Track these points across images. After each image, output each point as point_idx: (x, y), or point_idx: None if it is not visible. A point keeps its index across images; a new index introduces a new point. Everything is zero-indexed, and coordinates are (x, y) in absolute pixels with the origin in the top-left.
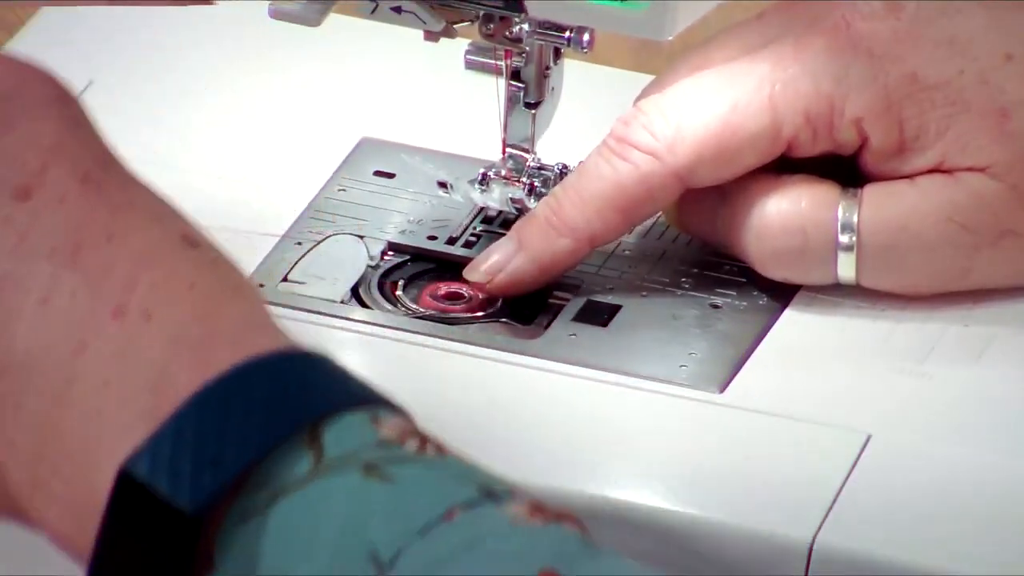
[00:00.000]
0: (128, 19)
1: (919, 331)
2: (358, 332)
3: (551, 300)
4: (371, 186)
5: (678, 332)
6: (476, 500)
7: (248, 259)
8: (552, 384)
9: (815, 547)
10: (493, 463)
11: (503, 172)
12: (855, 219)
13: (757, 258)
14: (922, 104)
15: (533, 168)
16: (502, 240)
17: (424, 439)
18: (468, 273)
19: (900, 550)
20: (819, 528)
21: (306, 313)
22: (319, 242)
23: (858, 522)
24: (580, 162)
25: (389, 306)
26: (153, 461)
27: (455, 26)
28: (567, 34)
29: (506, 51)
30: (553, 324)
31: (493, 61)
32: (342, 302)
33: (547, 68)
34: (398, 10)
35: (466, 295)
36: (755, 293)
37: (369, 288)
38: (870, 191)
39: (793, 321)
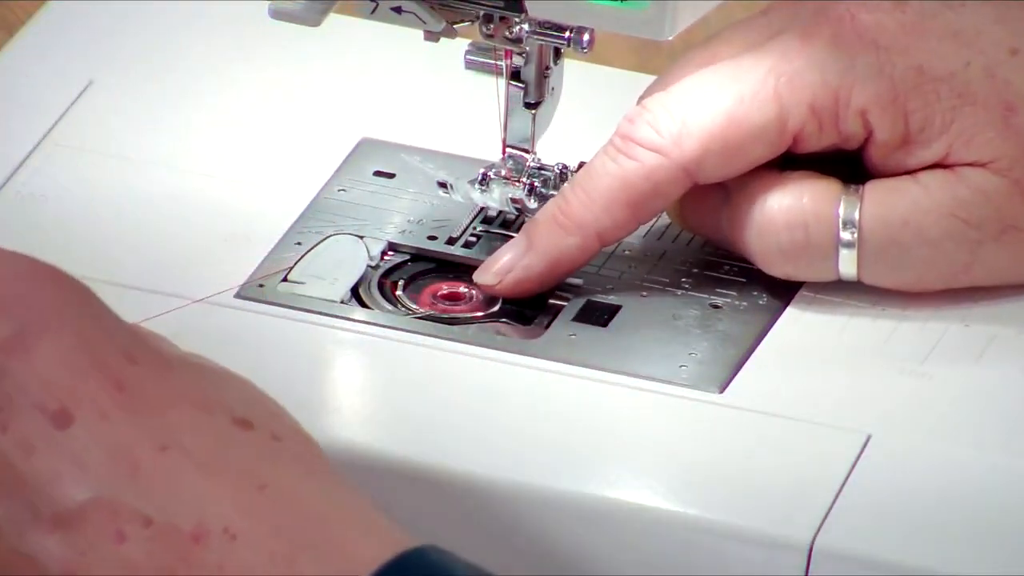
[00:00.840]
0: (129, 19)
1: (919, 331)
2: (358, 332)
3: (551, 300)
4: (371, 186)
5: (678, 332)
6: None
7: (248, 259)
8: (552, 384)
9: (815, 547)
10: (493, 463)
11: (503, 172)
12: (857, 215)
13: (759, 254)
14: (928, 97)
15: (533, 168)
16: (511, 242)
17: None
18: (478, 276)
19: (900, 550)
20: (819, 528)
21: (306, 313)
22: (319, 242)
23: (858, 522)
24: (581, 162)
25: (389, 306)
26: None
27: (455, 26)
28: (567, 34)
29: (506, 51)
30: (553, 324)
31: (493, 61)
32: (342, 302)
33: (547, 68)
34: (398, 10)
35: (466, 295)
36: (755, 293)
37: (369, 288)
38: (872, 187)
39: (793, 321)
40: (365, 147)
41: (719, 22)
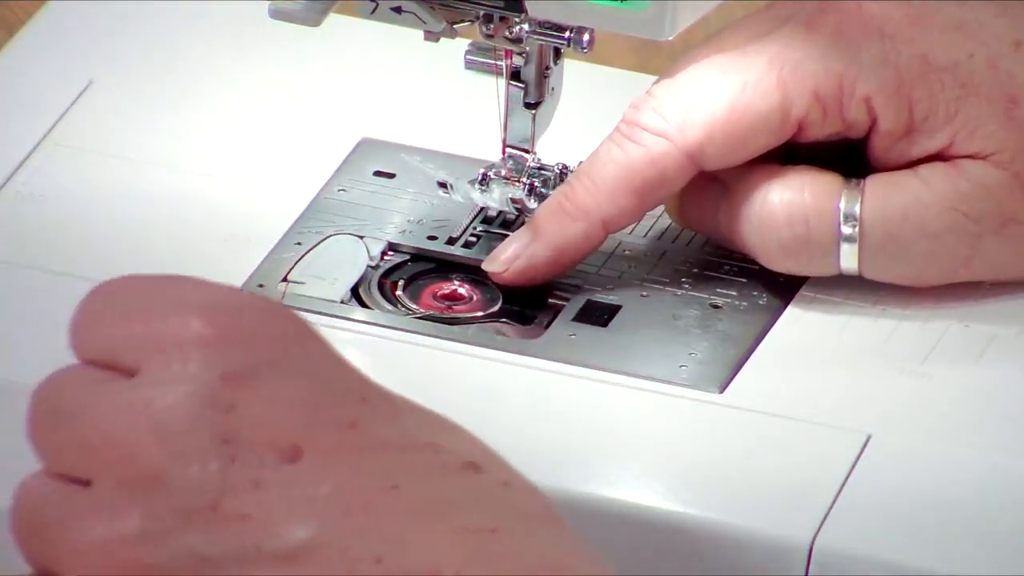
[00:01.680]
0: (129, 19)
1: (919, 331)
2: (358, 332)
3: (551, 300)
4: (371, 186)
5: (678, 332)
6: None
7: (248, 259)
8: (552, 384)
9: (815, 547)
10: None
11: (503, 172)
12: (858, 209)
13: (760, 249)
14: (932, 86)
15: (533, 168)
16: (519, 231)
17: None
18: (486, 265)
19: (900, 550)
20: (819, 528)
21: (306, 313)
22: (319, 242)
23: (858, 522)
24: (581, 163)
25: (389, 306)
26: None
27: (455, 26)
28: (567, 34)
29: (506, 51)
30: (553, 324)
31: (493, 61)
32: (342, 302)
33: (547, 68)
34: (398, 10)
35: (466, 295)
36: (755, 293)
37: (369, 288)
38: (873, 181)
39: (793, 321)
40: (365, 147)
41: (719, 22)
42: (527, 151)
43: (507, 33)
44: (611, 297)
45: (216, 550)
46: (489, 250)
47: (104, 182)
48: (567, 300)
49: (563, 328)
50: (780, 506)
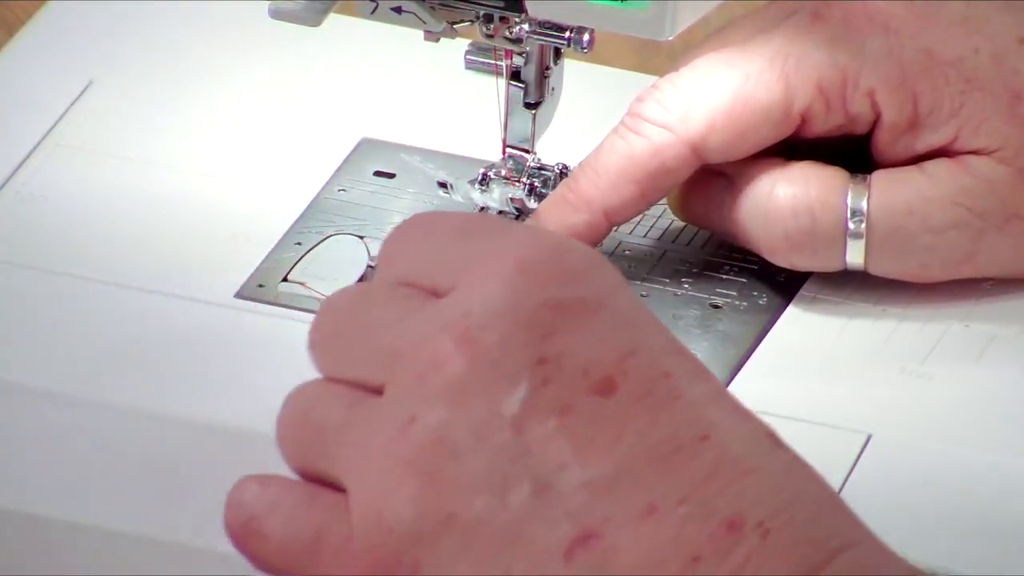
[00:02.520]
0: (129, 19)
1: (919, 331)
2: None
3: None
4: (371, 186)
5: (678, 332)
6: None
7: (248, 259)
8: None
9: None
10: None
11: (503, 172)
12: (864, 204)
13: (764, 243)
14: (936, 80)
15: (533, 168)
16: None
17: None
18: None
19: (900, 550)
20: None
21: (306, 313)
22: (319, 242)
23: None
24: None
25: None
26: None
27: (455, 26)
28: (567, 34)
29: (506, 51)
30: None
31: (493, 61)
32: None
33: (547, 68)
34: (398, 10)
35: None
36: (755, 293)
37: None
38: (878, 176)
39: (793, 321)
40: (365, 147)
41: (719, 22)
42: (527, 151)
43: (507, 33)
44: None
45: (513, 470)
46: None
47: (104, 182)
48: None
49: None
50: None
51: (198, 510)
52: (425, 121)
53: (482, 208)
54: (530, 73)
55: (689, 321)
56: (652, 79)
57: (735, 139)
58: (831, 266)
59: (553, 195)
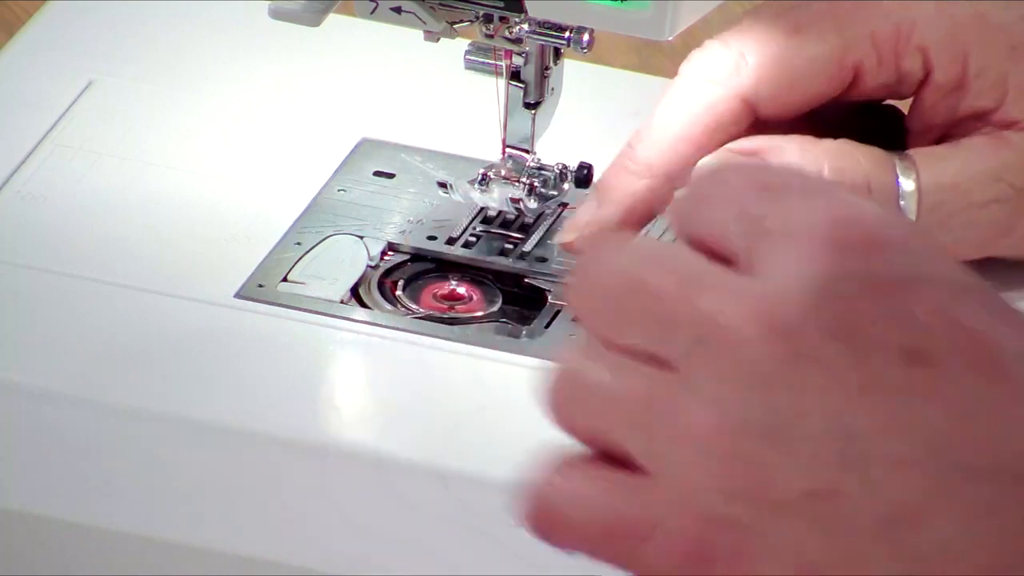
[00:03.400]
0: (129, 19)
1: None
2: (358, 332)
3: (551, 300)
4: (371, 186)
5: None
6: None
7: (248, 259)
8: None
9: None
10: (493, 463)
11: (503, 172)
12: (913, 182)
13: None
14: (986, 43)
15: (533, 168)
16: (585, 200)
17: None
18: (558, 239)
19: None
20: None
21: (306, 313)
22: (319, 242)
23: None
24: (581, 163)
25: (389, 306)
26: None
27: (455, 26)
28: (567, 34)
29: (506, 51)
30: (553, 324)
31: (493, 61)
32: (342, 302)
33: (547, 68)
34: (398, 10)
35: (466, 295)
36: None
37: (369, 288)
38: (919, 153)
39: None
40: (365, 147)
41: (719, 22)
42: (527, 151)
43: (507, 33)
44: None
45: (829, 455)
46: (489, 250)
47: (104, 182)
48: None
49: (563, 328)
50: None
51: (197, 510)
52: (425, 121)
53: (482, 208)
54: (530, 73)
55: None
56: (652, 79)
57: (785, 89)
58: None
59: (613, 166)
